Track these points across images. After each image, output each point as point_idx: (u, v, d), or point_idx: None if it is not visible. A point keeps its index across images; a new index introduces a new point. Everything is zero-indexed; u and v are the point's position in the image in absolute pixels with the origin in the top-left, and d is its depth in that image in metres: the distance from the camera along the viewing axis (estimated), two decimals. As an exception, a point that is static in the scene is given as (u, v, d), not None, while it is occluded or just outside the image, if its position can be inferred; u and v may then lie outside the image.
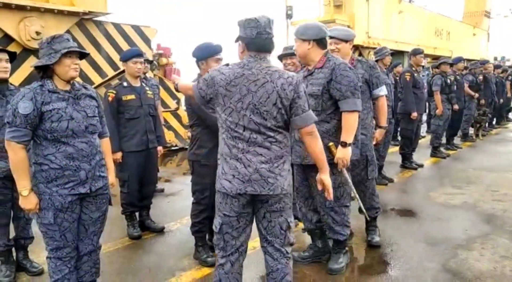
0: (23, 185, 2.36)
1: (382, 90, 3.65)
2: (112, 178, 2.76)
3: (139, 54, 3.97)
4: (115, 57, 7.87)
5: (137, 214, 4.18)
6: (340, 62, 2.98)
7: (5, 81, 3.08)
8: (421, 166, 6.81)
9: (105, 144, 2.74)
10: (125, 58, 3.95)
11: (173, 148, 8.93)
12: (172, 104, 9.09)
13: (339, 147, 2.93)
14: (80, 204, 2.52)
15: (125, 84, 3.94)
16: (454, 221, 4.29)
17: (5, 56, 3.04)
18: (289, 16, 14.64)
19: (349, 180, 3.04)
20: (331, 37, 3.52)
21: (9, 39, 6.38)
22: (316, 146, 2.34)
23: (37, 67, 2.41)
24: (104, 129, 2.73)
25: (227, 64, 2.42)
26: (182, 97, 9.22)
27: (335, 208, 3.12)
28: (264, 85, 2.21)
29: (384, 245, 3.69)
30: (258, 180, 2.22)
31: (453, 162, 7.33)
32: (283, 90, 2.21)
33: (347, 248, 3.36)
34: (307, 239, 3.66)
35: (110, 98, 3.83)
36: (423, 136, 9.21)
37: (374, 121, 3.77)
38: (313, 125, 2.30)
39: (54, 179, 2.39)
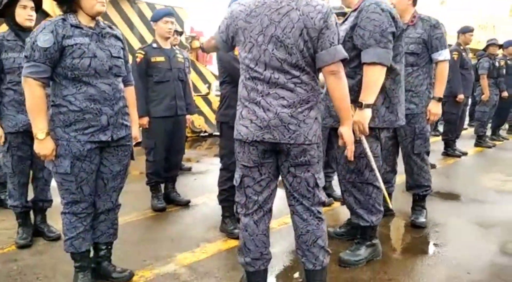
0: (39, 127, 2.15)
1: (442, 55, 3.17)
2: (136, 130, 2.55)
3: (171, 13, 3.75)
4: (148, 36, 7.77)
5: (162, 186, 3.97)
6: (372, 2, 2.40)
7: (29, 30, 2.92)
8: (465, 154, 6.33)
9: (130, 93, 2.52)
10: (156, 18, 3.72)
11: (202, 134, 8.76)
12: (203, 88, 8.91)
13: (356, 108, 2.40)
14: (100, 154, 2.31)
15: (154, 45, 3.74)
16: (508, 205, 3.87)
17: (31, 3, 2.87)
18: None
19: (368, 150, 2.44)
20: None
21: (44, 14, 6.36)
22: (340, 89, 1.97)
23: (60, 1, 2.20)
24: (129, 77, 2.51)
25: None
26: (213, 82, 9.07)
27: (357, 184, 2.57)
28: (288, 13, 1.88)
29: (429, 226, 3.33)
30: (278, 125, 1.94)
31: (500, 151, 6.80)
32: (310, 19, 1.87)
33: (374, 241, 2.71)
34: (345, 214, 3.35)
35: (138, 59, 3.64)
36: (465, 128, 8.65)
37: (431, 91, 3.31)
38: (340, 64, 1.95)
39: (73, 122, 2.18)
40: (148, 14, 7.90)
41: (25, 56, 2.13)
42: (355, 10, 2.49)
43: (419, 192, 3.36)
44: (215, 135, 8.10)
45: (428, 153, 3.34)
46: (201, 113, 8.79)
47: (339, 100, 2.01)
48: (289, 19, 1.89)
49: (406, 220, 3.45)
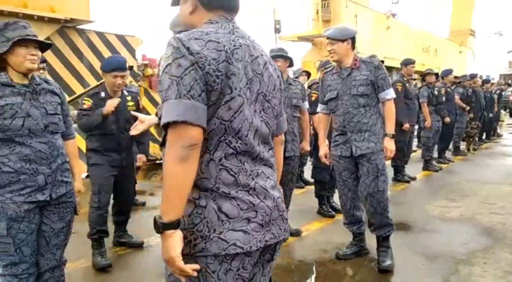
0: None
1: (389, 94, 3.29)
2: (79, 183, 2.48)
3: (122, 68, 3.43)
4: (98, 66, 7.61)
5: (105, 240, 3.64)
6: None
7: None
8: (414, 178, 6.60)
9: (71, 146, 2.47)
10: (105, 69, 3.45)
11: (158, 161, 8.61)
12: (157, 116, 8.81)
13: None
14: (40, 213, 2.22)
15: (102, 94, 3.47)
16: (452, 234, 4.05)
17: None
18: (277, 31, 14.64)
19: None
20: (327, 38, 3.29)
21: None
22: (282, 156, 1.68)
23: None
24: (69, 130, 2.45)
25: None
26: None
27: None
28: (267, 66, 1.44)
29: (380, 260, 3.41)
30: (276, 217, 1.41)
31: (446, 174, 7.13)
32: (278, 77, 1.50)
33: None
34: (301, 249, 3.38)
35: (85, 106, 3.40)
36: (414, 151, 9.03)
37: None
38: None
39: (8, 184, 2.09)
40: (98, 43, 7.78)
41: None
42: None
43: (383, 233, 3.31)
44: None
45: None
46: (155, 140, 8.66)
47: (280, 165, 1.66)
48: (269, 74, 1.45)
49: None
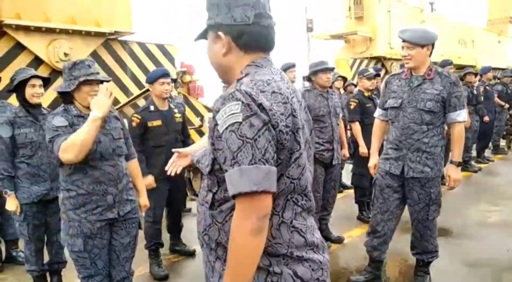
0: None
1: (460, 115, 2.91)
2: (144, 199, 2.75)
3: (166, 74, 3.71)
4: (140, 76, 7.98)
5: (161, 250, 3.89)
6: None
7: (38, 106, 3.12)
8: (453, 180, 6.57)
9: (134, 166, 2.74)
10: (151, 80, 3.68)
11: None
12: (196, 121, 9.12)
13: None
14: (110, 229, 2.50)
15: (151, 108, 3.67)
16: (493, 240, 4.09)
17: (39, 81, 3.10)
18: (309, 29, 14.67)
19: None
20: (403, 41, 2.94)
21: (39, 61, 6.54)
22: None
23: (59, 93, 2.43)
24: (130, 151, 2.71)
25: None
26: (205, 115, 9.30)
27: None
28: (301, 106, 1.35)
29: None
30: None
31: (485, 176, 7.07)
32: (306, 114, 1.41)
33: None
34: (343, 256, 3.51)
35: (134, 124, 3.59)
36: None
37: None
38: None
39: (82, 205, 2.37)
40: (139, 53, 8.14)
41: (49, 140, 2.28)
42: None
43: (425, 258, 3.18)
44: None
45: None
46: (195, 145, 8.95)
47: None
48: (308, 117, 1.38)
49: (396, 259, 3.65)
